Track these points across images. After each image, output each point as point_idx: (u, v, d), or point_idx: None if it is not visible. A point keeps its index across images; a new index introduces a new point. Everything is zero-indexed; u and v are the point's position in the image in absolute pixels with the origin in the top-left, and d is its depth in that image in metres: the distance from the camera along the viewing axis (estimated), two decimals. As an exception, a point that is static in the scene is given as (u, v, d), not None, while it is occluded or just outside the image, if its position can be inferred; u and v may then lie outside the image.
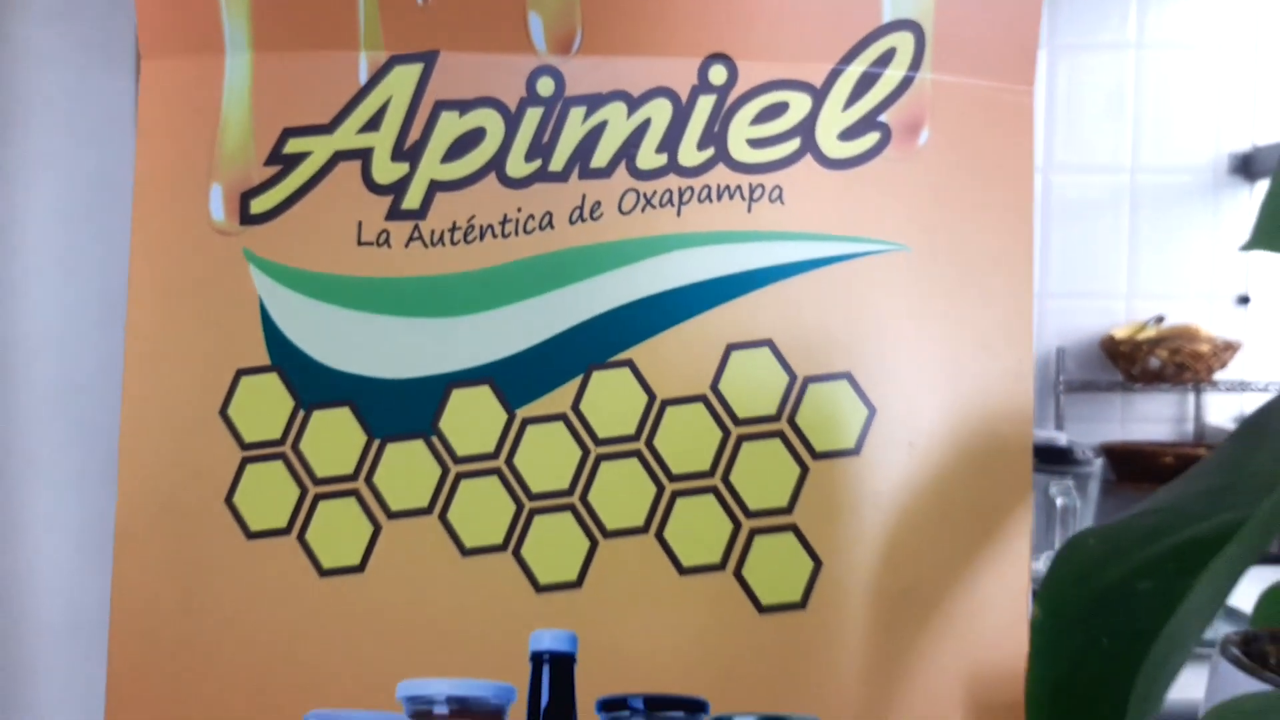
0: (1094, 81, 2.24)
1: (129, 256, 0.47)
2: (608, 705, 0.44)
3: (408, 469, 0.45)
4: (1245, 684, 0.43)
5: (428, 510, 0.44)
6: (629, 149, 0.45)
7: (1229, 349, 2.09)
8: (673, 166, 0.45)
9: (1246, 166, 2.20)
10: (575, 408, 0.44)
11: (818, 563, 0.44)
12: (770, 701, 0.44)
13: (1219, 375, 2.12)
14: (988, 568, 0.43)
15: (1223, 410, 2.18)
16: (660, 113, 0.45)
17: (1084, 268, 2.21)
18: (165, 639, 0.45)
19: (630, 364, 0.44)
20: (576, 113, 0.45)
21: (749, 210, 0.45)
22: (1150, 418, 2.19)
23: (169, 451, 0.45)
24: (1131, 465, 2.07)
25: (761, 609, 0.44)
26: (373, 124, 0.46)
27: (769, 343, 0.44)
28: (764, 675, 0.44)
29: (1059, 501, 1.29)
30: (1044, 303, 2.23)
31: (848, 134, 0.45)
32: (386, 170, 0.46)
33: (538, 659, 0.44)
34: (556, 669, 0.44)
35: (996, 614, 0.43)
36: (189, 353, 0.46)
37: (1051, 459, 1.32)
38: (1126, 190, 2.23)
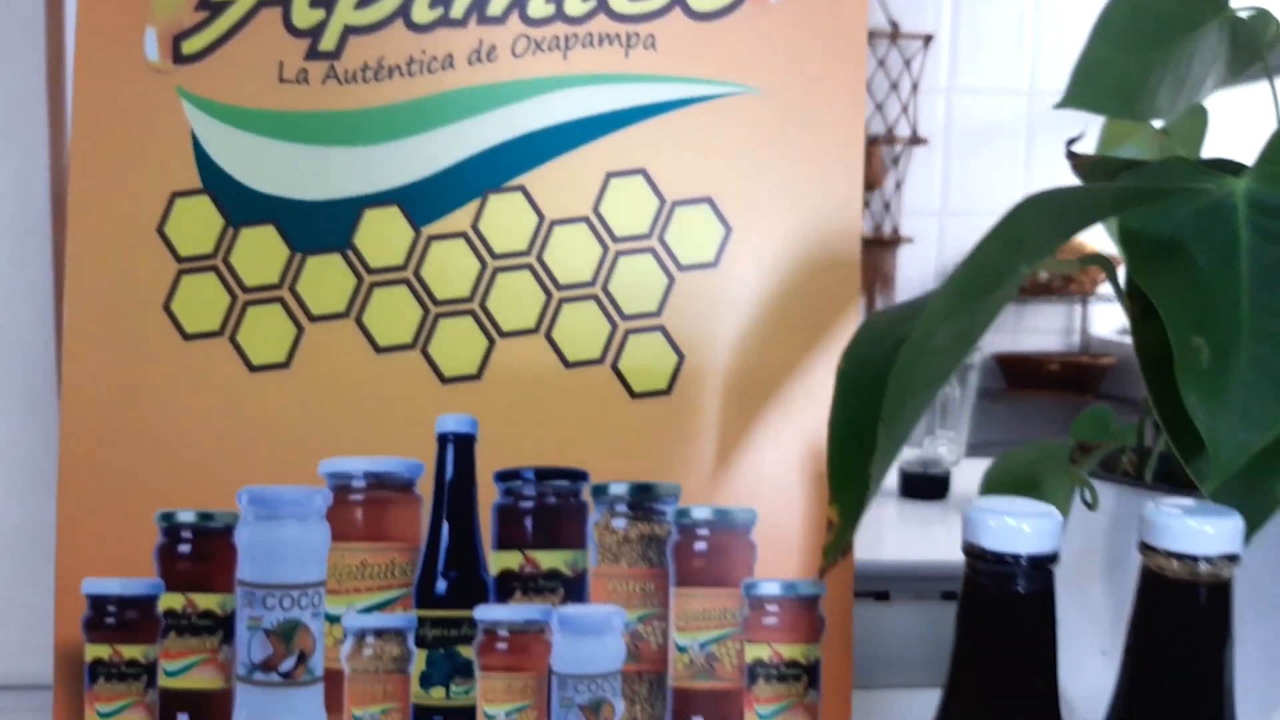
0: (997, 6, 2.34)
1: (73, 93, 0.52)
2: (503, 476, 0.52)
3: (327, 279, 0.51)
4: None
5: (345, 314, 0.51)
6: None
7: (1114, 262, 2.23)
8: (560, 15, 0.51)
9: (1135, 92, 2.32)
10: (474, 226, 0.51)
11: (681, 357, 0.52)
12: (641, 472, 0.52)
13: (1103, 289, 2.26)
14: (822, 359, 0.51)
15: (1107, 322, 2.33)
16: (548, -32, 0.51)
17: (983, 187, 2.33)
18: (111, 428, 0.51)
19: (522, 189, 0.51)
20: (475, -33, 0.51)
21: (626, 55, 0.52)
22: (1040, 329, 2.33)
23: (112, 265, 0.51)
24: (1021, 373, 2.21)
25: (634, 395, 0.52)
26: (292, -25, 0.51)
27: (642, 171, 0.52)
28: (636, 451, 0.52)
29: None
30: (944, 220, 2.34)
31: (711, -9, 0.52)
32: (305, 15, 0.51)
33: (443, 439, 0.51)
34: (459, 447, 0.51)
35: (829, 397, 0.51)
36: (128, 178, 0.51)
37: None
38: (1025, 113, 2.34)
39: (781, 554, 0.52)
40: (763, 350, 0.52)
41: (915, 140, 2.26)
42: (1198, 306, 0.38)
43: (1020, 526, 0.36)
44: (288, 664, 0.51)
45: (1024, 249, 0.37)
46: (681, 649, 0.52)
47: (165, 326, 0.51)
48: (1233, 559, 0.37)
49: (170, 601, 0.51)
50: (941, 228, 2.33)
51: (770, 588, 0.52)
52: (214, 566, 0.51)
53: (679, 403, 0.52)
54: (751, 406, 0.52)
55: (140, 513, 0.51)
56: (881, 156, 2.20)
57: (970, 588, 0.37)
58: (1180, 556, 0.37)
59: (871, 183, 2.23)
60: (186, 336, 0.51)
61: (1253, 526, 0.41)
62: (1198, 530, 0.37)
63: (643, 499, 0.52)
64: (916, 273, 2.31)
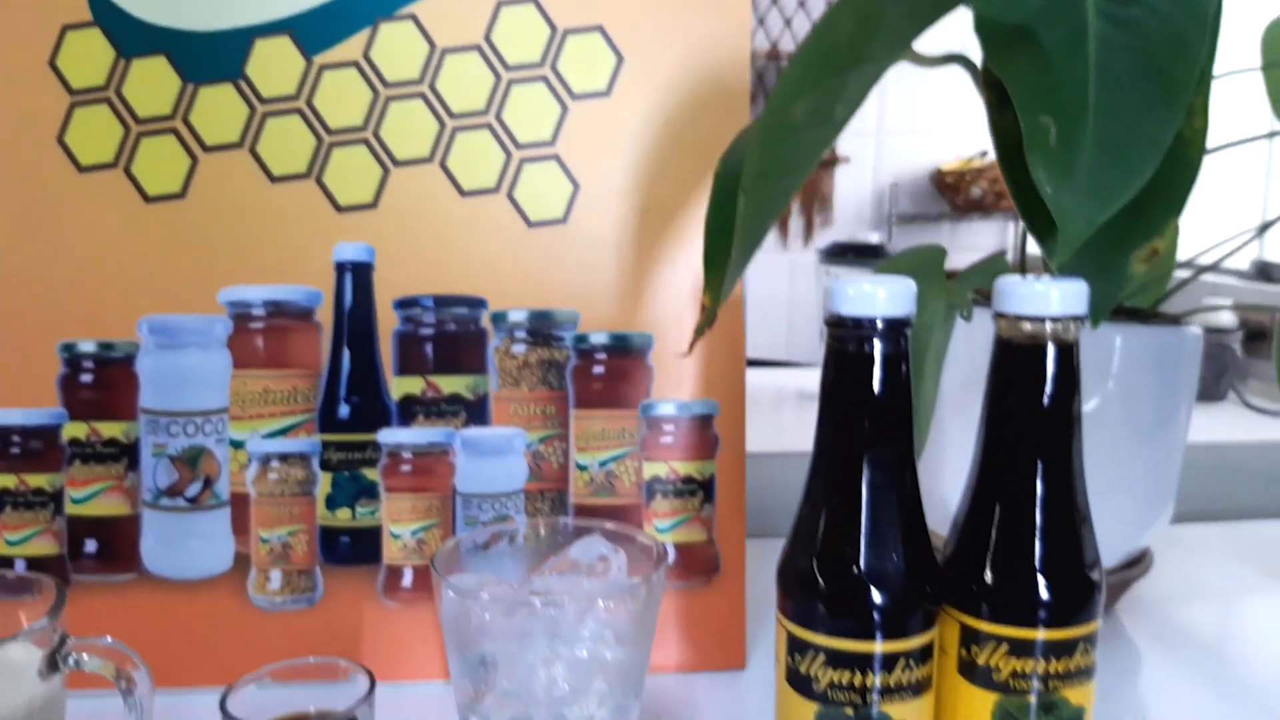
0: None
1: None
2: (403, 304, 0.53)
3: (219, 109, 0.51)
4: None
5: (239, 144, 0.52)
6: None
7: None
8: None
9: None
10: (366, 55, 0.52)
11: (576, 186, 0.53)
12: (538, 299, 0.53)
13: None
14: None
15: (1039, 240, 2.37)
16: None
17: (920, 105, 2.35)
18: (9, 262, 0.51)
19: (413, 17, 0.52)
20: None
21: (514, -115, 0.52)
22: (975, 247, 2.37)
23: (4, 99, 0.51)
24: (957, 290, 2.25)
25: (530, 224, 0.53)
26: None
27: None
28: (533, 278, 0.53)
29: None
30: (881, 140, 2.36)
31: None
32: None
33: (340, 267, 0.52)
34: (357, 275, 0.52)
35: (719, 221, 0.53)
36: (18, 12, 0.51)
37: (865, 254, 1.46)
38: (960, 31, 2.36)
39: (677, 376, 0.54)
40: (656, 178, 0.53)
41: (851, 59, 2.27)
42: (1047, 88, 0.40)
43: (875, 292, 0.38)
44: (193, 489, 0.52)
45: (881, 27, 0.38)
46: (582, 468, 0.54)
47: (60, 159, 0.51)
48: (1078, 320, 0.39)
49: (74, 430, 0.51)
50: (879, 147, 2.35)
51: (666, 408, 0.54)
52: (116, 395, 0.51)
53: (575, 231, 0.53)
54: (646, 234, 0.53)
55: (41, 344, 0.51)
56: (817, 75, 2.21)
57: (831, 357, 0.39)
58: (1029, 319, 0.39)
59: (808, 102, 2.23)
60: (81, 169, 0.51)
61: (1104, 304, 0.43)
62: (1044, 293, 0.39)
63: (541, 325, 0.53)
64: (854, 192, 2.33)
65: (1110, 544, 0.60)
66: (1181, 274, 0.63)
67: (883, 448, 0.39)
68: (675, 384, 0.54)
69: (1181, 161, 0.41)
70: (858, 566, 0.38)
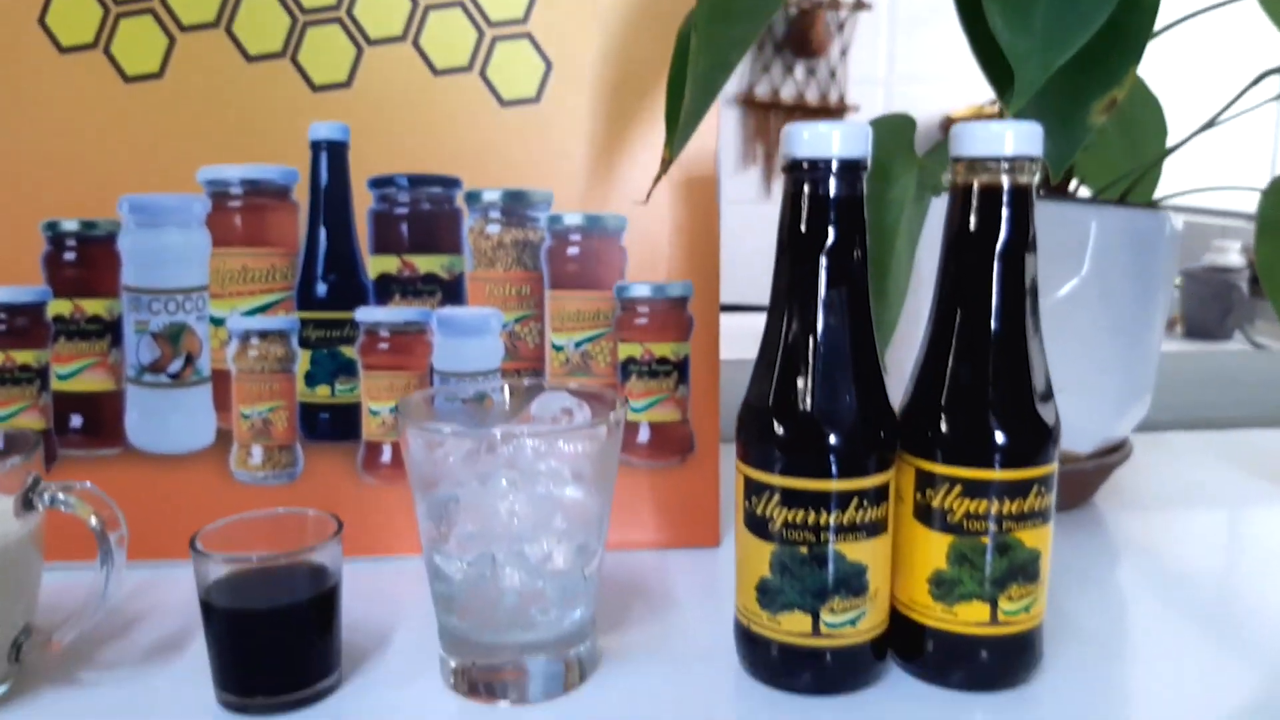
0: None
1: None
2: (378, 183, 0.53)
3: (196, -11, 0.52)
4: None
5: (215, 24, 0.52)
6: None
7: None
8: None
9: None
10: (340, -65, 0.52)
11: (548, 64, 0.53)
12: (513, 179, 0.54)
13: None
14: (684, 63, 0.53)
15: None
16: None
17: (928, 52, 2.33)
18: (-8, 144, 0.52)
19: (386, -103, 0.52)
20: None
21: None
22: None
23: (-18, -20, 0.52)
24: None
25: (503, 103, 0.53)
26: None
27: (504, -121, 0.52)
28: (507, 158, 0.53)
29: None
30: (890, 88, 2.34)
31: None
32: None
33: (316, 146, 0.53)
34: (333, 154, 0.53)
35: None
36: (-7, -106, 0.52)
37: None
38: (970, -21, 2.33)
39: (652, 258, 0.54)
40: (628, 57, 0.53)
41: (859, 5, 2.25)
42: (1004, -67, 0.40)
43: (830, 134, 0.38)
44: (175, 365, 0.53)
45: None
46: (558, 348, 0.55)
47: (41, 40, 0.52)
48: (1033, 161, 0.39)
49: (58, 308, 0.53)
50: (888, 95, 2.33)
51: (641, 290, 0.54)
52: (99, 273, 0.52)
53: (548, 110, 0.53)
54: (619, 113, 0.54)
55: (25, 223, 0.52)
56: (825, 22, 2.19)
57: (788, 201, 0.40)
58: (984, 159, 0.39)
59: (816, 50, 2.22)
60: (62, 50, 0.52)
61: (1065, 155, 0.44)
62: (999, 134, 0.39)
63: (515, 205, 0.54)
64: (862, 141, 2.31)
65: (1088, 429, 0.61)
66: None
67: (837, 290, 0.39)
68: (650, 266, 0.54)
69: (1137, 7, 0.41)
70: (809, 404, 0.39)
